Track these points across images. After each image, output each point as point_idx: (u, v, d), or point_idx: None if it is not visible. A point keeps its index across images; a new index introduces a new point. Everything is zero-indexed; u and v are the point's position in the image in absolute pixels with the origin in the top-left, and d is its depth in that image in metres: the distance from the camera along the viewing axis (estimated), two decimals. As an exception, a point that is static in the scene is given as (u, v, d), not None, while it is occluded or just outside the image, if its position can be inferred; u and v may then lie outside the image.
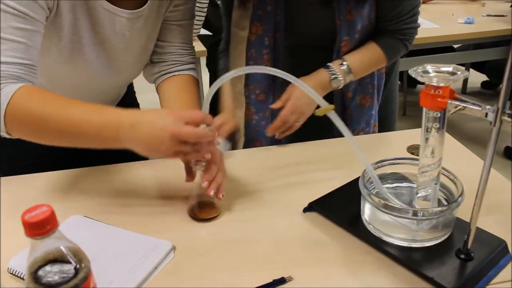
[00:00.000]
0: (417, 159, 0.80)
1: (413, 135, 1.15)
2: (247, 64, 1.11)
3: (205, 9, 2.37)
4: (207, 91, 0.81)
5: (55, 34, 0.87)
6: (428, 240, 0.73)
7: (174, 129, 0.73)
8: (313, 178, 0.97)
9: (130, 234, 0.80)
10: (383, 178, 0.81)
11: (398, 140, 1.14)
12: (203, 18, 2.39)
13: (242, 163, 1.05)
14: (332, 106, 0.77)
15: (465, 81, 3.70)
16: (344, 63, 1.07)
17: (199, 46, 2.42)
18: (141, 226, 0.82)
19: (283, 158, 1.06)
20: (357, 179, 0.80)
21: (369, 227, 0.77)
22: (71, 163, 1.01)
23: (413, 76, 0.64)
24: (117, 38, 0.95)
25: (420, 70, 0.64)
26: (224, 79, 0.78)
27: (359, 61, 1.09)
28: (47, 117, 0.77)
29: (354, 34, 1.07)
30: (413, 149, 1.09)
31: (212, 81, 3.31)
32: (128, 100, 1.28)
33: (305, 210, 0.85)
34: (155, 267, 0.73)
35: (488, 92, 3.68)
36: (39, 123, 0.78)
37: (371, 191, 0.75)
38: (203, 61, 2.60)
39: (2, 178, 0.99)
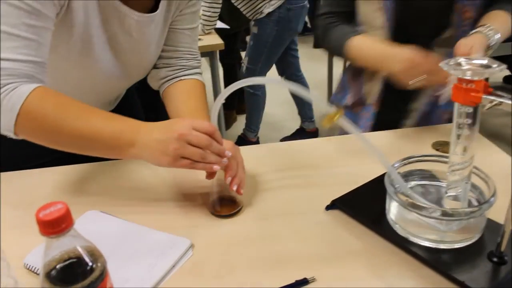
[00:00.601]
0: (446, 157, 0.77)
1: (439, 131, 1.11)
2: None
3: (220, 1, 2.34)
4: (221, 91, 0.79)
5: (65, 31, 0.85)
6: (458, 241, 0.69)
7: (183, 130, 0.74)
8: (336, 174, 0.94)
9: (147, 230, 0.78)
10: (410, 175, 0.78)
11: (422, 136, 1.10)
12: (218, 11, 2.36)
13: (261, 158, 1.02)
14: (341, 111, 0.74)
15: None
16: (487, 25, 1.00)
17: (215, 39, 2.40)
18: (158, 222, 0.81)
19: (305, 153, 1.03)
20: (383, 175, 0.77)
21: (395, 227, 0.73)
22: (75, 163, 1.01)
23: (445, 69, 0.60)
24: (124, 37, 0.93)
25: (452, 63, 0.60)
26: (234, 88, 0.76)
27: (500, 25, 1.02)
28: (62, 120, 0.75)
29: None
30: (438, 146, 1.05)
31: (226, 76, 3.30)
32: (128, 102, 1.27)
33: (328, 208, 0.82)
34: (173, 265, 0.71)
35: (510, 86, 3.58)
36: (53, 126, 0.76)
37: (398, 189, 0.72)
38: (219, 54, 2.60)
39: (16, 172, 0.98)
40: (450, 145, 0.67)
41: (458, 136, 0.64)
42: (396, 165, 0.75)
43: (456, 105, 0.62)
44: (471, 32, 1.00)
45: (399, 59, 1.00)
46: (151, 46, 0.99)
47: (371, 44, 1.11)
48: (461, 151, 0.65)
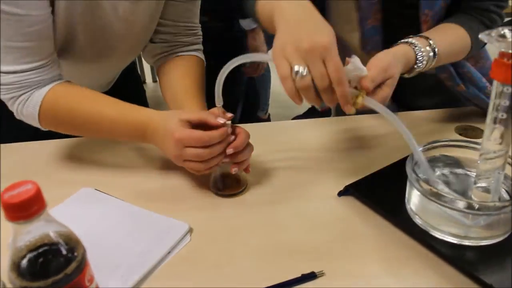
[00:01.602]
0: (476, 143, 0.69)
1: (462, 114, 1.03)
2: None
3: None
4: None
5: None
6: (485, 238, 0.62)
7: (178, 134, 0.70)
8: (351, 156, 0.87)
9: (143, 212, 0.72)
10: (433, 161, 0.71)
11: (445, 119, 1.02)
12: None
13: (270, 137, 0.95)
14: (364, 91, 0.66)
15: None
16: (431, 42, 0.79)
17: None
18: (156, 202, 0.75)
19: (317, 133, 0.96)
20: (403, 160, 0.70)
21: (415, 218, 0.66)
22: None
23: (486, 41, 0.52)
24: (120, 24, 0.85)
25: (494, 34, 0.52)
26: (233, 65, 0.67)
27: (447, 46, 0.82)
28: (77, 122, 0.78)
29: (436, 7, 0.86)
30: (461, 130, 0.97)
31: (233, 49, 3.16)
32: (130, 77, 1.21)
33: (340, 193, 0.75)
34: (168, 251, 0.65)
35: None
36: (71, 127, 0.81)
37: (420, 176, 0.64)
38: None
39: (6, 145, 0.92)
40: (484, 130, 0.59)
41: (495, 120, 0.56)
42: (419, 150, 0.67)
43: (495, 84, 0.54)
44: (400, 41, 0.80)
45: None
46: (147, 23, 0.91)
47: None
48: (497, 137, 0.57)
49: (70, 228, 0.44)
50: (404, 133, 0.65)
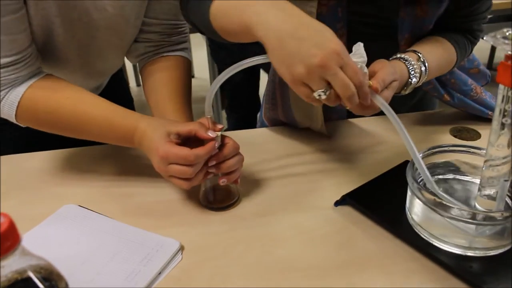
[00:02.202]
0: (477, 148, 0.67)
1: (456, 115, 1.00)
2: None
3: None
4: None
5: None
6: (491, 248, 0.59)
7: (163, 151, 0.66)
8: (347, 163, 0.84)
9: (130, 229, 0.68)
10: (433, 167, 0.68)
11: (438, 121, 1.00)
12: None
13: (261, 143, 0.92)
14: (370, 83, 0.63)
15: (492, 53, 3.48)
16: (420, 55, 0.76)
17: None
18: (144, 218, 0.71)
19: (311, 138, 0.92)
20: (400, 165, 0.67)
21: (417, 229, 0.63)
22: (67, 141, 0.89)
23: (491, 43, 0.49)
24: (98, 13, 0.80)
25: (500, 36, 0.49)
26: (229, 73, 0.63)
27: (435, 60, 0.79)
28: (60, 124, 0.75)
29: (419, 32, 0.83)
30: (456, 132, 0.95)
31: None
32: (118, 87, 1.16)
33: (337, 203, 0.72)
34: (158, 272, 0.61)
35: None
36: (53, 128, 0.76)
37: (422, 184, 0.61)
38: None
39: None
40: (479, 132, 0.56)
41: (502, 126, 0.53)
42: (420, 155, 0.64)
43: (502, 88, 0.51)
44: (391, 58, 0.76)
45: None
46: (131, 19, 0.86)
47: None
48: (504, 144, 0.54)
49: (49, 261, 0.39)
50: (404, 137, 0.61)
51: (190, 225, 0.70)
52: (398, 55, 0.76)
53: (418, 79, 0.75)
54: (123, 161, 0.86)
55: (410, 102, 1.04)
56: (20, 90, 0.72)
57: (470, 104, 0.94)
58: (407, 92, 0.75)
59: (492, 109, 0.93)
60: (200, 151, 0.65)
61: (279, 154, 0.88)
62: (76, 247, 0.65)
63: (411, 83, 0.74)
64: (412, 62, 0.74)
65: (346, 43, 0.72)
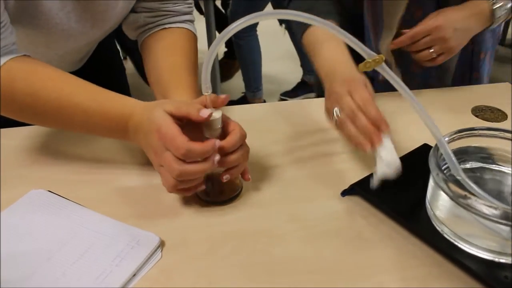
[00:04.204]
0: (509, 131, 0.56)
1: (477, 93, 0.90)
2: None
3: None
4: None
5: None
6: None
7: (165, 129, 0.55)
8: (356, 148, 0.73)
9: (104, 220, 0.59)
10: (462, 154, 0.58)
11: (459, 99, 0.89)
12: None
13: (259, 123, 0.81)
14: (382, 57, 0.53)
15: (505, 30, 3.34)
16: None
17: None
18: (120, 207, 0.62)
19: (315, 117, 0.82)
20: (418, 150, 0.57)
21: (440, 227, 0.54)
22: None
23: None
24: None
25: None
26: (232, 30, 0.52)
27: None
28: (40, 111, 0.63)
29: None
30: (478, 111, 0.85)
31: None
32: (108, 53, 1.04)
33: (344, 193, 0.63)
34: (133, 273, 0.51)
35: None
36: (32, 117, 0.66)
37: (448, 175, 0.52)
38: None
39: None
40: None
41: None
42: (445, 139, 0.54)
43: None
44: None
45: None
46: None
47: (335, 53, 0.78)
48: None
49: None
50: (425, 117, 0.52)
51: (172, 215, 0.60)
52: None
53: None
54: (101, 142, 0.76)
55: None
56: None
57: None
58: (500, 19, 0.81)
59: None
60: (196, 146, 0.54)
61: (277, 134, 0.78)
62: (42, 240, 0.56)
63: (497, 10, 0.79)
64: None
65: None
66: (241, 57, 2.50)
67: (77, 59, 0.92)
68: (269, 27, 2.58)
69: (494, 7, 0.80)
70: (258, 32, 2.47)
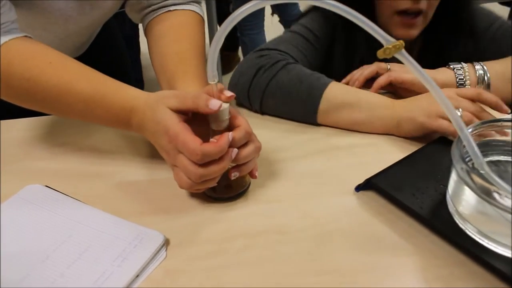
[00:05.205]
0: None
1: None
2: None
3: None
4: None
5: None
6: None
7: (173, 131, 0.52)
8: (370, 138, 0.70)
9: (105, 217, 0.56)
10: (485, 146, 0.54)
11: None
12: None
13: (272, 119, 0.77)
14: (402, 43, 0.49)
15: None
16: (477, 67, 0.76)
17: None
18: (122, 203, 0.58)
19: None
20: (437, 141, 0.54)
21: (463, 224, 0.50)
22: None
23: None
24: None
25: None
26: (236, 19, 0.48)
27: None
28: (38, 96, 0.60)
29: None
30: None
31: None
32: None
33: (359, 188, 0.59)
34: (136, 274, 0.48)
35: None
36: (30, 101, 0.62)
37: (473, 168, 0.48)
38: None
39: None
40: None
41: None
42: (469, 131, 0.51)
43: None
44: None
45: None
46: None
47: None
48: None
49: None
50: (446, 106, 0.48)
51: (177, 212, 0.57)
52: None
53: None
54: (102, 133, 0.72)
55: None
56: None
57: None
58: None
59: None
60: (211, 148, 0.51)
61: (286, 125, 0.74)
62: (38, 239, 0.53)
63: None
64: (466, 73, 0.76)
65: None
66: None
67: (78, 44, 0.89)
68: (276, 26, 2.55)
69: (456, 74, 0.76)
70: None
